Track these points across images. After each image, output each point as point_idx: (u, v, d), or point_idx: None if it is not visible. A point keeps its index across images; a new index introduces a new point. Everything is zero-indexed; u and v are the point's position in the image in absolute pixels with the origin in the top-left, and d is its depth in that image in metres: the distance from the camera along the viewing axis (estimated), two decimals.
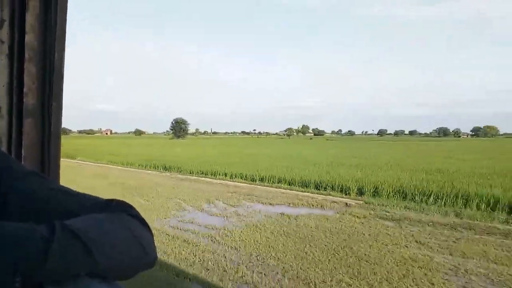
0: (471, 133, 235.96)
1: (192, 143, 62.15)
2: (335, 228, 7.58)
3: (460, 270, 5.31)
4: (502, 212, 9.09)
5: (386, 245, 6.47)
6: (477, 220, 8.33)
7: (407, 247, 6.38)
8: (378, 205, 9.97)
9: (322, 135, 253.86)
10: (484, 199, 9.75)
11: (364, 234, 7.15)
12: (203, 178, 15.17)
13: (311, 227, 7.59)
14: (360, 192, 11.68)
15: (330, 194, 11.50)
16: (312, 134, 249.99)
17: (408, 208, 9.56)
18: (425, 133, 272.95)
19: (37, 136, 0.99)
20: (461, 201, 9.99)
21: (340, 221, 8.16)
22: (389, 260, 5.66)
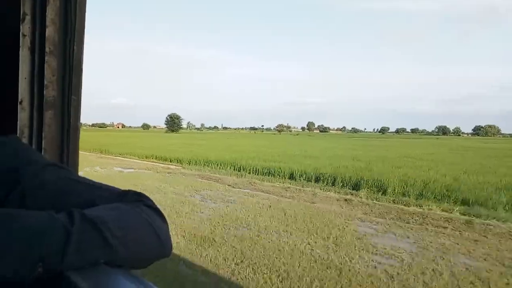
0: (472, 132, 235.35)
1: (179, 136, 66.57)
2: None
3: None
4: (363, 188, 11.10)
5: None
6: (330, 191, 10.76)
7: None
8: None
9: (327, 131, 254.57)
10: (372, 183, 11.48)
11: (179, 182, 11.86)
12: (131, 158, 20.62)
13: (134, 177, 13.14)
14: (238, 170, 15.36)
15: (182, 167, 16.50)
16: (318, 131, 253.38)
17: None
18: (425, 130, 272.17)
19: (57, 128, 1.01)
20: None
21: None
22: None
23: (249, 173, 14.45)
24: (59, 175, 0.66)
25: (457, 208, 8.83)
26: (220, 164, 16.64)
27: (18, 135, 0.96)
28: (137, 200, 0.63)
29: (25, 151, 0.70)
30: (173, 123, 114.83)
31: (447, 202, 9.53)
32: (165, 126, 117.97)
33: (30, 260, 0.42)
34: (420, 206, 9.12)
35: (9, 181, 0.61)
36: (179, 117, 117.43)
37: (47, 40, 0.97)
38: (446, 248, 5.99)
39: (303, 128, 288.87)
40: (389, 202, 9.66)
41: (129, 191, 0.66)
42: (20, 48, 0.95)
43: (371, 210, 8.63)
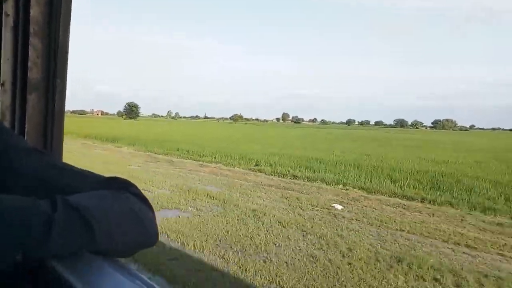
0: (431, 125, 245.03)
1: (132, 123, 73.42)
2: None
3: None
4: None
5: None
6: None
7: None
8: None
9: (300, 122, 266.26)
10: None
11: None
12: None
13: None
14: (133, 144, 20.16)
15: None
16: (292, 122, 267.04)
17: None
18: (383, 123, 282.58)
19: (41, 112, 0.98)
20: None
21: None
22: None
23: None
24: (42, 161, 0.65)
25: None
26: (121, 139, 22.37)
27: (0, 118, 0.93)
28: (122, 187, 0.62)
29: (7, 135, 0.68)
30: (131, 111, 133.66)
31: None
32: (124, 113, 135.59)
33: (9, 247, 0.41)
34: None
35: None
36: (137, 105, 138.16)
37: (31, 20, 0.94)
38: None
39: (278, 119, 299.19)
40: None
41: (115, 178, 0.64)
42: (3, 28, 0.92)
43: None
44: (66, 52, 0.99)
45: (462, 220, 7.02)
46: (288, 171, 11.77)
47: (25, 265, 0.44)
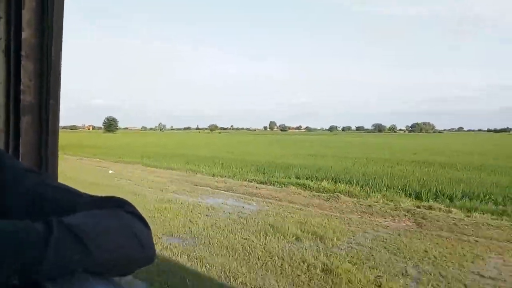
0: (410, 128, 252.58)
1: (107, 136, 78.72)
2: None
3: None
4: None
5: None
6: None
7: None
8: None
9: (286, 130, 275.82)
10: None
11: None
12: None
13: None
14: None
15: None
16: (279, 130, 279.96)
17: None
18: (363, 128, 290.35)
19: (35, 134, 0.98)
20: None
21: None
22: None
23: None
24: (37, 181, 0.65)
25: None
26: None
27: None
28: (118, 206, 0.62)
29: (2, 156, 0.69)
30: (109, 124, 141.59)
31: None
32: (103, 127, 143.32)
33: (4, 270, 0.42)
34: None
35: None
36: (115, 119, 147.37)
37: (23, 43, 0.94)
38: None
39: (265, 128, 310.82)
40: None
41: (111, 197, 0.65)
42: None
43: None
44: (59, 73, 1.00)
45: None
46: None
47: (20, 287, 0.44)
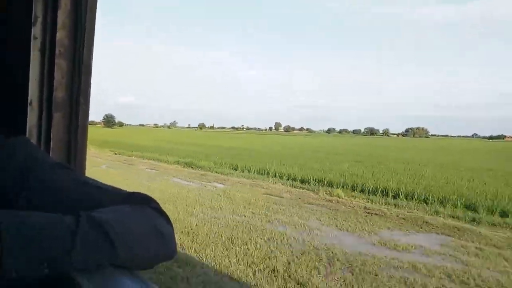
0: (405, 132, 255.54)
1: (105, 131, 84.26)
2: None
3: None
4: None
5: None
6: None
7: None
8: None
9: (290, 131, 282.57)
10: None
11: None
12: None
13: None
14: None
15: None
16: (283, 131, 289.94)
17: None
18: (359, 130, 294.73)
19: (65, 129, 1.02)
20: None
21: None
22: None
23: None
24: (66, 176, 0.68)
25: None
26: None
27: (27, 135, 0.97)
28: (142, 202, 0.64)
29: (34, 151, 0.72)
30: (108, 121, 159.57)
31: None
32: (102, 122, 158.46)
33: (36, 260, 0.43)
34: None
35: (18, 181, 0.63)
36: (113, 116, 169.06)
37: (57, 43, 0.98)
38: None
39: (270, 128, 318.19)
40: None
41: (134, 193, 0.67)
42: (31, 50, 0.96)
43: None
44: (90, 72, 1.04)
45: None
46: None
47: (49, 278, 0.46)
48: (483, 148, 60.27)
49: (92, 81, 1.04)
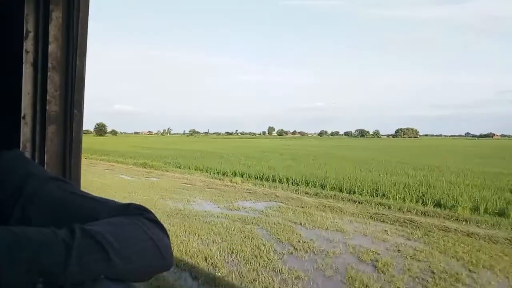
0: (394, 133, 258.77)
1: (95, 139, 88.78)
2: None
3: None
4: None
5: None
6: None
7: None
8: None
9: (283, 135, 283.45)
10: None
11: None
12: None
13: None
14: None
15: None
16: (276, 134, 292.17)
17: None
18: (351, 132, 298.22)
19: (59, 143, 1.02)
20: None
21: None
22: None
23: None
24: (61, 189, 0.67)
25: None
26: None
27: (21, 149, 0.97)
28: (138, 213, 0.64)
29: (28, 165, 0.72)
30: (99, 129, 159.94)
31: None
32: (94, 131, 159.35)
33: (31, 275, 0.43)
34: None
35: (13, 195, 0.63)
36: (104, 124, 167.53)
37: (49, 56, 0.98)
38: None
39: (263, 132, 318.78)
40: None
41: (130, 204, 0.67)
42: (24, 64, 0.96)
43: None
44: (83, 84, 1.04)
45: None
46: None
47: None
48: (450, 145, 65.70)
49: (86, 92, 1.04)
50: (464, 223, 8.78)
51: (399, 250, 6.60)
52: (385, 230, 8.03)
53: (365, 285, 4.89)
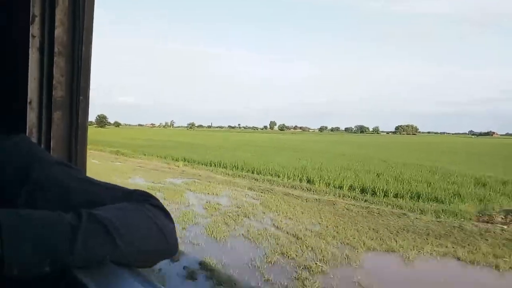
0: (394, 130, 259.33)
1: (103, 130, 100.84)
2: None
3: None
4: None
5: None
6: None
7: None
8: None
9: (284, 130, 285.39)
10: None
11: None
12: None
13: None
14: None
15: None
16: (278, 129, 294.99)
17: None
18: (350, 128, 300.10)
19: (65, 128, 1.02)
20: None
21: None
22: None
23: None
24: (67, 174, 0.68)
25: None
26: None
27: (27, 134, 0.96)
28: (143, 199, 0.65)
29: (34, 149, 0.72)
30: (100, 121, 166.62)
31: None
32: (95, 122, 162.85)
33: (37, 257, 0.44)
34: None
35: (20, 179, 0.63)
36: (105, 116, 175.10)
37: (56, 41, 0.98)
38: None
39: (265, 127, 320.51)
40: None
41: (135, 190, 0.68)
42: (30, 49, 0.95)
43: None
44: (89, 70, 1.03)
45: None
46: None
47: (51, 275, 0.46)
48: (432, 143, 73.71)
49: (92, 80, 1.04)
50: (308, 192, 13.14)
51: (238, 205, 10.50)
52: (247, 195, 11.80)
53: (193, 216, 9.22)
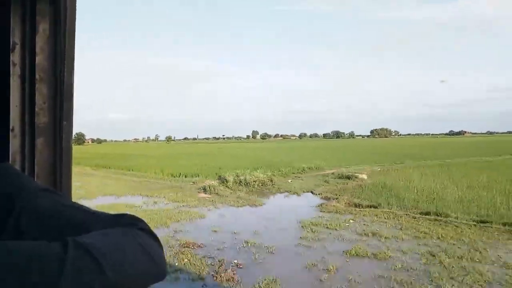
0: (369, 134, 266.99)
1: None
2: None
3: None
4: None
5: None
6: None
7: None
8: None
9: (265, 138, 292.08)
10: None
11: None
12: None
13: None
14: None
15: None
16: (260, 138, 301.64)
17: None
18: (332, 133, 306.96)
19: (49, 154, 1.01)
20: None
21: None
22: None
23: None
24: (52, 201, 0.67)
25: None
26: None
27: (10, 161, 0.96)
28: (131, 224, 0.64)
29: (18, 177, 0.72)
30: (78, 139, 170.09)
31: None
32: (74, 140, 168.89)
33: None
34: None
35: (6, 208, 0.62)
36: (83, 134, 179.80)
37: (37, 68, 0.98)
38: None
39: (248, 136, 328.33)
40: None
41: (123, 215, 0.67)
42: (11, 77, 0.95)
43: None
44: (72, 94, 1.04)
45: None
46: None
47: None
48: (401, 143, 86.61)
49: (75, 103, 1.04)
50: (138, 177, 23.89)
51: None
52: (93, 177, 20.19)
53: None
